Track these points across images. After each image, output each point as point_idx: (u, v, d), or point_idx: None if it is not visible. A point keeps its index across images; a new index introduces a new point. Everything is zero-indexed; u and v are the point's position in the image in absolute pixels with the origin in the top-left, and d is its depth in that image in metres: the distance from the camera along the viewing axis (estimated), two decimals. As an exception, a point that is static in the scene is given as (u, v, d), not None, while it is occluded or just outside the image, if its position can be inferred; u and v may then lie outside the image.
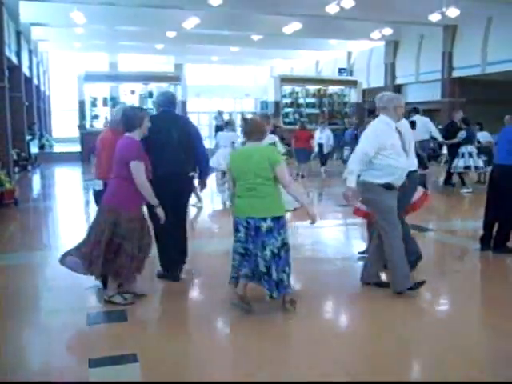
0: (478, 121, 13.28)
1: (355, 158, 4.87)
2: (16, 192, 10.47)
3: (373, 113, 12.01)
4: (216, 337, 4.34)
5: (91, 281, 5.18)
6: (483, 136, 12.77)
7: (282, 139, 9.64)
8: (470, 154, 11.34)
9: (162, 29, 20.58)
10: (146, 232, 4.77)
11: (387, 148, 4.82)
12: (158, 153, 5.01)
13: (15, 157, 14.62)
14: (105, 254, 4.51)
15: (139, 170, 4.47)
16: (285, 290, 4.44)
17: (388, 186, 4.87)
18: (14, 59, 15.81)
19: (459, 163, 11.38)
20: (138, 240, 4.62)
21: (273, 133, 8.02)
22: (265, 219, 4.31)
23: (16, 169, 14.56)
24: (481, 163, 11.52)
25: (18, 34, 16.79)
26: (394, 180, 4.88)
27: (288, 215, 5.53)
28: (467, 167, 11.38)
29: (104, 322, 4.49)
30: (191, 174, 5.42)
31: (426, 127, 11.55)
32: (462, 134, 11.34)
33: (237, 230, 4.47)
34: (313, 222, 4.45)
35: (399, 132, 4.99)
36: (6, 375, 3.57)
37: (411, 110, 11.91)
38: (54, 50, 28.08)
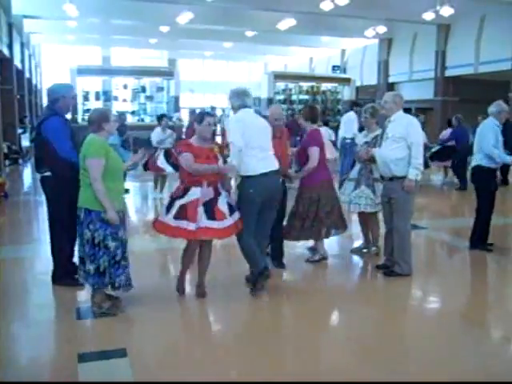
0: (471, 119, 13.27)
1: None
2: (6, 185, 10.40)
3: (357, 105, 12.14)
4: (207, 332, 4.33)
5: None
6: None
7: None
8: None
9: (155, 23, 20.52)
10: None
11: None
12: None
13: (6, 150, 14.52)
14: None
15: None
16: (85, 280, 4.39)
17: None
18: (6, 52, 15.69)
19: None
20: None
21: None
22: (80, 209, 4.31)
23: (7, 162, 14.46)
24: None
25: (10, 26, 16.65)
26: None
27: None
28: None
29: (93, 316, 4.46)
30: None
31: None
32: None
33: None
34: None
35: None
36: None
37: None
38: (46, 43, 27.91)
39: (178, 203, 4.53)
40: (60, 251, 5.08)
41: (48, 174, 4.99)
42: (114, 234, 4.26)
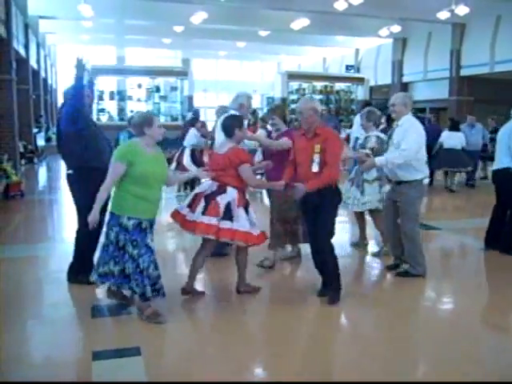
0: (485, 120, 13.18)
1: None
2: (22, 184, 10.52)
3: (370, 105, 12.16)
4: (221, 331, 4.31)
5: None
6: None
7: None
8: None
9: (169, 23, 20.58)
10: None
11: None
12: None
13: (22, 149, 14.65)
14: None
15: None
16: (101, 278, 4.35)
17: None
18: (22, 52, 15.84)
19: None
20: None
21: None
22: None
23: (22, 161, 14.60)
24: None
25: (26, 26, 16.81)
26: None
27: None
28: None
29: (108, 314, 4.51)
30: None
31: None
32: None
33: None
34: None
35: None
36: (8, 367, 3.58)
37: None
38: (61, 43, 28.10)
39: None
40: (83, 249, 5.12)
41: (70, 171, 5.04)
42: (134, 241, 4.15)
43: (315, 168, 4.50)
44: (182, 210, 4.66)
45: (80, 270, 5.08)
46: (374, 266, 6.14)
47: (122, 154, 4.13)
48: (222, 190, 4.56)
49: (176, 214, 4.70)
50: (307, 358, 3.83)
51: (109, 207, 4.37)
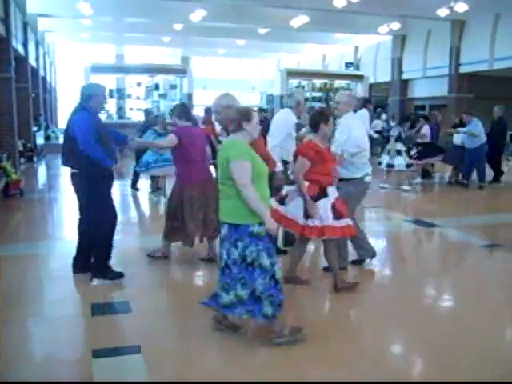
0: (485, 117, 13.13)
1: None
2: (21, 183, 10.51)
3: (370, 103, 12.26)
4: (221, 331, 4.32)
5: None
6: None
7: None
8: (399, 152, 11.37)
9: (168, 21, 20.53)
10: None
11: None
12: None
13: (21, 148, 14.63)
14: None
15: None
16: (226, 309, 3.83)
17: None
18: (21, 50, 15.80)
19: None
20: None
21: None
22: (223, 225, 3.77)
23: (22, 160, 14.57)
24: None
25: (25, 24, 16.75)
26: None
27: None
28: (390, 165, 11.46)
29: (108, 313, 4.51)
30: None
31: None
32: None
33: None
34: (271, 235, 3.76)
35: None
36: (9, 365, 3.58)
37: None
38: (60, 41, 28.04)
39: (326, 204, 4.79)
40: (86, 244, 5.24)
41: (75, 170, 5.06)
42: (268, 249, 3.69)
43: None
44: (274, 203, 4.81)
45: (84, 267, 5.24)
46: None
47: (245, 153, 3.69)
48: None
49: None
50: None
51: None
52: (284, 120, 6.07)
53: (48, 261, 6.22)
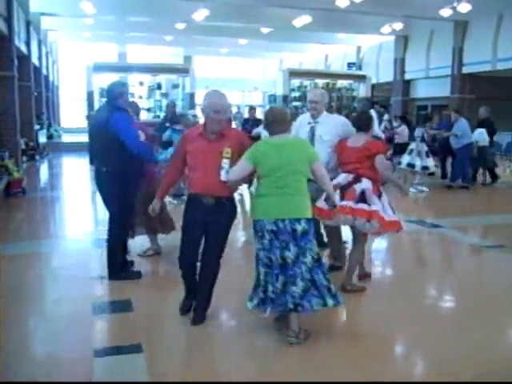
0: (488, 118, 13.12)
1: None
2: (24, 181, 10.52)
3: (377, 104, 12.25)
4: (224, 328, 4.31)
5: (97, 270, 5.22)
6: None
7: None
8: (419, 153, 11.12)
9: (171, 20, 20.55)
10: None
11: None
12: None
13: (23, 146, 14.66)
14: None
15: None
16: (337, 300, 3.91)
17: None
18: (24, 49, 15.82)
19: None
20: None
21: None
22: (299, 220, 3.76)
23: (24, 158, 14.61)
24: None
25: (28, 23, 16.79)
26: None
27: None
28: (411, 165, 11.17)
29: (109, 311, 4.51)
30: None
31: None
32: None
33: (261, 236, 3.86)
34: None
35: None
36: (11, 363, 3.59)
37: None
38: (63, 40, 28.08)
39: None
40: (115, 248, 5.16)
41: (104, 169, 5.00)
42: (310, 241, 3.84)
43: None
44: (320, 203, 4.77)
45: (115, 268, 5.12)
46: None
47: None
48: (357, 180, 4.78)
49: (316, 210, 4.68)
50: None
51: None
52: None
53: (50, 259, 6.23)
